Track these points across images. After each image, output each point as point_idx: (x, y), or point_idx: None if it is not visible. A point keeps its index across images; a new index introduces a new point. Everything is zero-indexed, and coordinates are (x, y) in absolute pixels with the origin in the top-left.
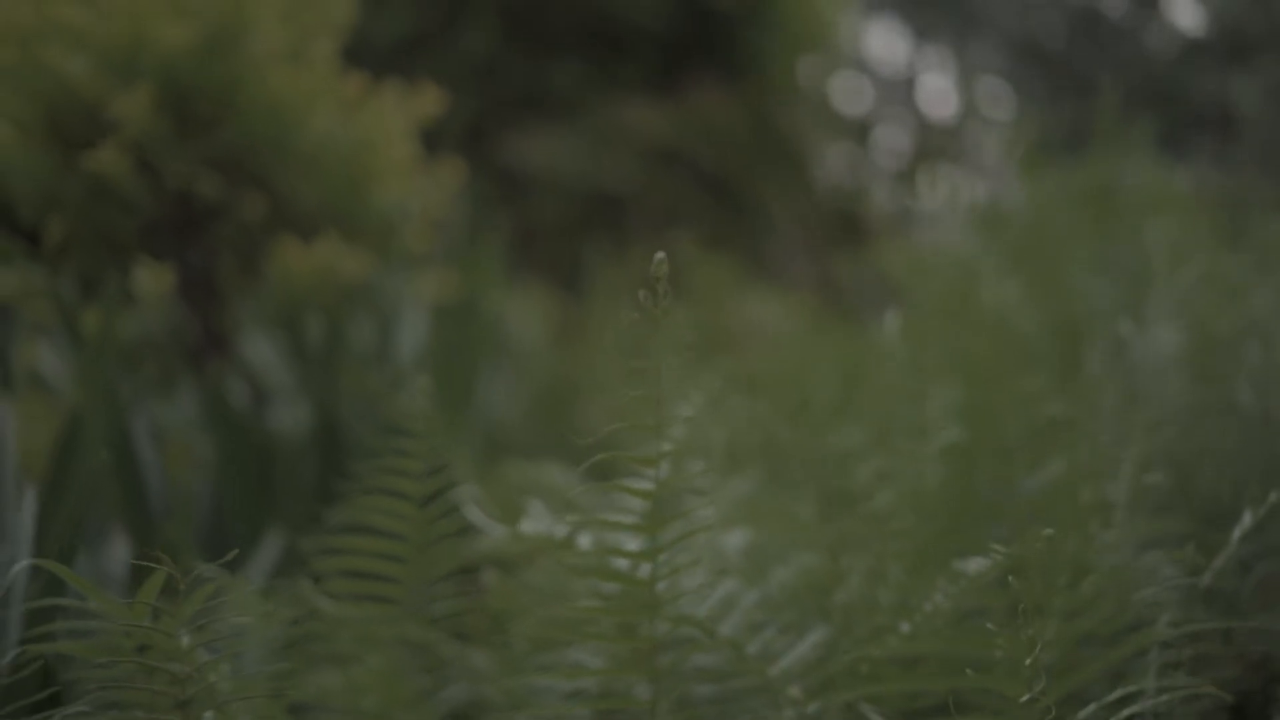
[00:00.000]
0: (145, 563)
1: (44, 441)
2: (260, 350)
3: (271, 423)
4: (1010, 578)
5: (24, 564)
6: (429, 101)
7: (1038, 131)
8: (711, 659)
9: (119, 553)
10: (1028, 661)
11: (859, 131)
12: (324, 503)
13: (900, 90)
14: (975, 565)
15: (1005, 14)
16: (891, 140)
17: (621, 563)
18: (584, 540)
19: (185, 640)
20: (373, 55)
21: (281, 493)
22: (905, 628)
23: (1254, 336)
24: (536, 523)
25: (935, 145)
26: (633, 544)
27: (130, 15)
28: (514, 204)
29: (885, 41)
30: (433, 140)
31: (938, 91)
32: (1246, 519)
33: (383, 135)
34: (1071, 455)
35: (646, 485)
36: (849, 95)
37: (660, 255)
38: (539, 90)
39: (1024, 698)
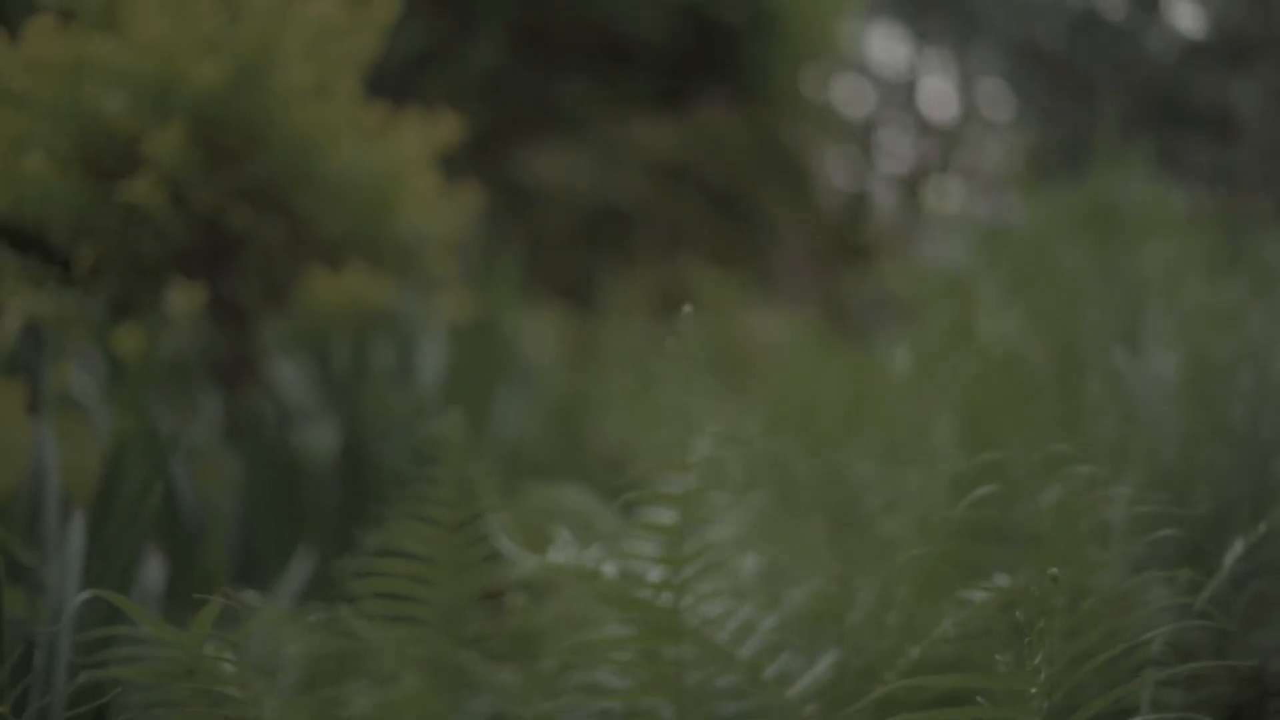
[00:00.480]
0: (204, 597)
1: (75, 459)
2: (286, 372)
3: (297, 443)
4: (1016, 610)
5: (85, 595)
6: (447, 128)
7: (1038, 143)
8: (733, 679)
9: (154, 572)
10: (1033, 691)
11: (862, 134)
12: (350, 521)
13: (902, 93)
14: (980, 595)
15: (1006, 17)
16: (894, 144)
17: (646, 589)
18: (610, 569)
19: (238, 665)
20: (384, 70)
21: (308, 512)
22: (915, 653)
23: (1249, 360)
24: (565, 552)
25: (936, 158)
26: (657, 571)
27: (163, 53)
28: (522, 217)
29: (887, 45)
30: (443, 155)
31: (939, 94)
32: (1238, 546)
33: (403, 163)
34: (1071, 481)
35: (671, 518)
36: (851, 98)
37: (688, 308)
38: (547, 105)
39: None
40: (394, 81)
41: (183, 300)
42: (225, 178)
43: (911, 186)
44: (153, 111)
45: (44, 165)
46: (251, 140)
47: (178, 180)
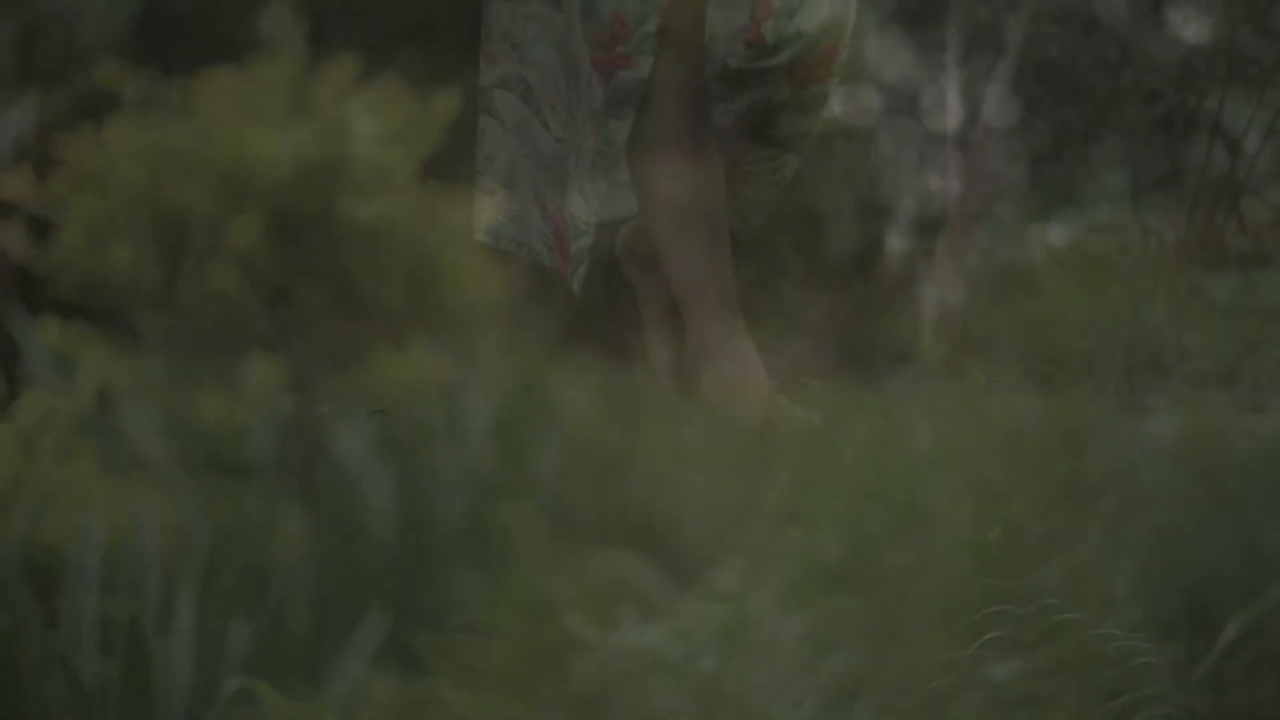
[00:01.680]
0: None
1: (154, 519)
2: (349, 436)
3: (359, 505)
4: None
5: (237, 683)
6: (493, 205)
7: (1037, 154)
8: None
9: (237, 634)
10: None
11: (865, 143)
12: (409, 579)
13: (905, 100)
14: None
15: (1009, 25)
16: (897, 153)
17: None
18: (675, 651)
19: None
20: None
21: (371, 572)
22: None
23: (1244, 419)
24: (633, 636)
25: (941, 196)
26: (713, 659)
27: (239, 147)
28: None
29: (889, 52)
30: None
31: (941, 101)
32: (1231, 630)
33: (455, 240)
34: (1075, 549)
35: (726, 610)
36: (855, 108)
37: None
38: None
39: None
40: None
41: (257, 370)
42: (294, 260)
43: (919, 230)
44: (227, 199)
45: (125, 247)
46: (319, 227)
47: (250, 262)
